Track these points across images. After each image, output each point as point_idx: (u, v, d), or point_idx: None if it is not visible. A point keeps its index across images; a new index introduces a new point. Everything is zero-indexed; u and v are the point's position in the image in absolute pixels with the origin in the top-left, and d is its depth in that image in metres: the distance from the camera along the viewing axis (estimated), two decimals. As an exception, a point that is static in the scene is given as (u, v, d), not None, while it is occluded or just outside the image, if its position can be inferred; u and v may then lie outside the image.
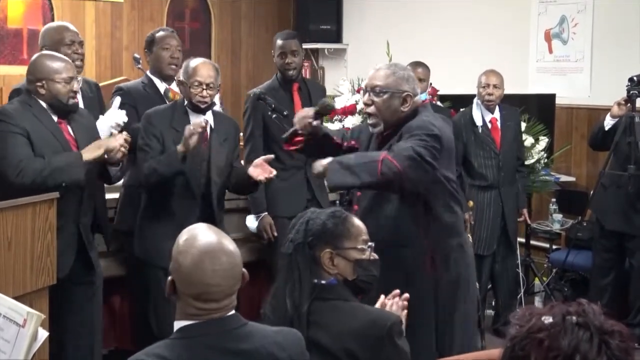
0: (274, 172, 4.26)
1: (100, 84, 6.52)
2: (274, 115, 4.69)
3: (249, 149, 5.05)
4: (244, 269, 2.26)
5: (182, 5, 8.82)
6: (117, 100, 4.54)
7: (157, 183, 4.20)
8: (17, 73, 7.48)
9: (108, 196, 4.71)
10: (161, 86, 4.85)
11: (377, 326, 2.62)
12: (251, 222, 5.06)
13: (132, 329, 4.85)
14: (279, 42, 5.16)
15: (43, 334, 2.38)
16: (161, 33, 5.00)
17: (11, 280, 3.35)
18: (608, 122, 5.64)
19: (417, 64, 5.52)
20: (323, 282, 2.70)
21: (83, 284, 4.10)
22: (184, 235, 2.24)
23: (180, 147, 4.10)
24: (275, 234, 4.98)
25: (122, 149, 3.95)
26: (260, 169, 4.25)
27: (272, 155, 4.38)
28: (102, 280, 4.28)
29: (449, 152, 3.59)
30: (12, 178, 3.70)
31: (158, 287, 4.19)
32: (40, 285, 3.52)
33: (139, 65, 5.83)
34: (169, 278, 2.21)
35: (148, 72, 4.97)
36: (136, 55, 5.93)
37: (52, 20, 7.71)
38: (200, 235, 2.22)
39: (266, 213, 5.00)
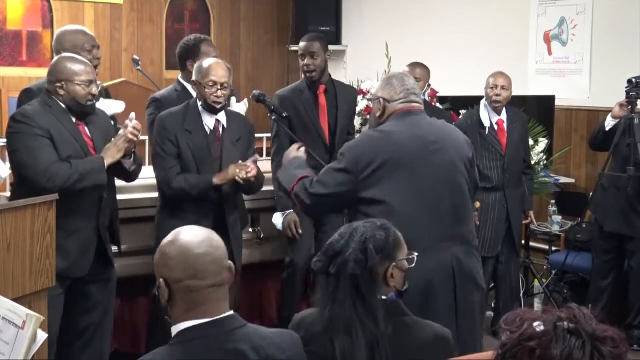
0: (253, 172, 4.24)
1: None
2: (273, 117, 4.69)
3: (275, 149, 5.03)
4: (230, 262, 2.27)
5: (181, 6, 8.82)
6: (132, 115, 4.52)
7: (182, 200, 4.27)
8: (16, 75, 7.49)
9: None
10: (195, 93, 4.77)
11: (443, 340, 2.66)
12: (277, 219, 5.05)
13: (148, 330, 4.86)
14: (300, 44, 5.12)
15: (42, 336, 2.37)
16: (206, 46, 4.87)
17: (10, 282, 3.34)
18: (609, 123, 5.64)
19: (414, 65, 5.56)
20: (385, 297, 2.65)
21: (99, 282, 4.12)
22: (159, 248, 2.25)
23: (216, 180, 4.19)
24: (300, 231, 4.98)
25: (132, 136, 3.96)
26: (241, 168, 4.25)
27: (256, 155, 4.41)
28: (116, 280, 4.28)
29: (390, 169, 3.42)
30: (43, 184, 3.74)
31: None
32: (39, 287, 3.51)
33: (138, 67, 5.83)
34: (161, 281, 2.19)
35: (180, 79, 4.91)
36: (135, 57, 5.93)
37: (52, 22, 7.72)
38: (184, 229, 2.26)
39: (292, 210, 4.95)
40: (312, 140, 4.91)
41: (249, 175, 4.17)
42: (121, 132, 3.99)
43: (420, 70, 5.53)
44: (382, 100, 3.57)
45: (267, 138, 5.94)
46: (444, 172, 3.49)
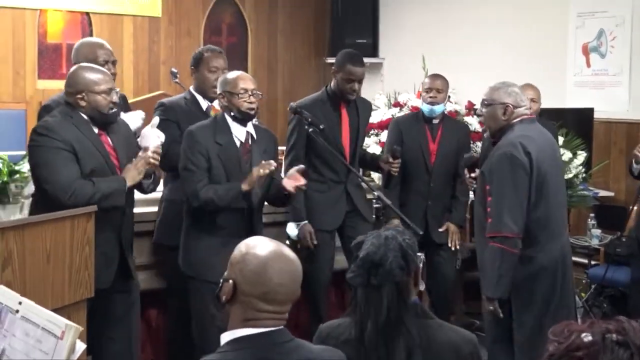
0: (304, 181, 4.28)
1: (138, 99, 6.58)
2: (310, 129, 4.70)
3: (290, 160, 5.00)
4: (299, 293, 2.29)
5: (219, 20, 8.88)
6: (156, 120, 4.51)
7: (212, 211, 4.25)
8: (56, 87, 7.57)
9: (144, 210, 4.78)
10: (203, 103, 4.78)
11: (467, 342, 2.67)
12: (292, 229, 5.03)
13: (169, 342, 4.85)
14: (351, 67, 4.97)
15: (81, 346, 2.39)
16: (209, 54, 4.83)
17: (50, 292, 3.37)
18: (635, 168, 5.48)
19: (435, 76, 5.46)
20: (412, 301, 2.66)
21: (121, 294, 4.10)
22: (243, 245, 2.29)
23: (244, 186, 4.15)
24: (315, 242, 4.98)
25: (153, 160, 3.97)
26: (292, 180, 4.28)
27: (303, 166, 4.41)
28: (140, 291, 4.29)
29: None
30: (64, 200, 3.71)
31: (203, 302, 4.23)
32: (78, 297, 3.54)
33: (176, 80, 5.87)
34: (230, 282, 2.22)
35: (191, 89, 4.89)
36: (173, 70, 5.96)
37: (91, 35, 7.80)
38: (263, 241, 2.29)
39: (307, 221, 4.98)
40: (332, 154, 4.89)
41: (271, 168, 4.13)
42: (141, 153, 3.98)
43: (440, 82, 5.43)
44: (510, 106, 4.10)
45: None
46: (561, 173, 4.30)
